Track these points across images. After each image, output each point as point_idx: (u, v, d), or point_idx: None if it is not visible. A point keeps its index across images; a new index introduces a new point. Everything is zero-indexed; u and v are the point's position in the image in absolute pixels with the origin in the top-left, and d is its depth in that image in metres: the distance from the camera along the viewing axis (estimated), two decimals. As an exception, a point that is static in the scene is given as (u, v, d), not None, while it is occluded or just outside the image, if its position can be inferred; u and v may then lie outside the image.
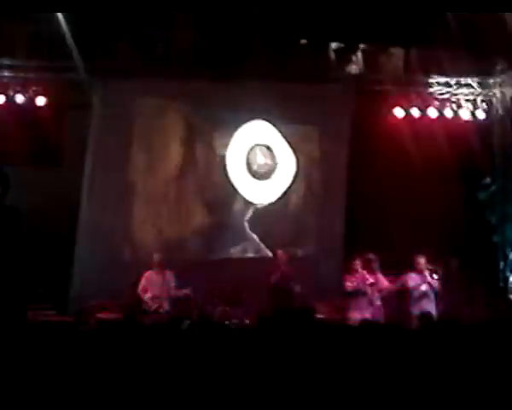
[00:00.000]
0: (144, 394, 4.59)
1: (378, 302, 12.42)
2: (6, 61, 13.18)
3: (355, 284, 12.37)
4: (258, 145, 14.55)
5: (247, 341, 5.36)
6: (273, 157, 14.61)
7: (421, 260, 12.49)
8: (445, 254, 13.12)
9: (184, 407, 4.63)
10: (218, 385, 4.76)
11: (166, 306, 12.28)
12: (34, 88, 13.27)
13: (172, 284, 12.44)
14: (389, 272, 12.76)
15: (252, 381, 4.80)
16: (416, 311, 11.91)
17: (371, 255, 12.61)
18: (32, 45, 12.93)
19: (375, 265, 12.54)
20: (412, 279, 12.44)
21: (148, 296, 12.27)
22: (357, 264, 12.53)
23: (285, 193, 14.66)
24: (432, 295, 12.40)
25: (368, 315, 12.00)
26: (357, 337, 5.21)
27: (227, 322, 11.99)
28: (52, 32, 12.66)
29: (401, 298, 12.62)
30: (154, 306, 12.19)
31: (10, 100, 13.23)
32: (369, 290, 12.33)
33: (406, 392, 4.76)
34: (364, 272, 12.45)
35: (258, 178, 14.58)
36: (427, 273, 12.43)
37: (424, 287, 12.37)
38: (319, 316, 12.76)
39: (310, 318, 5.56)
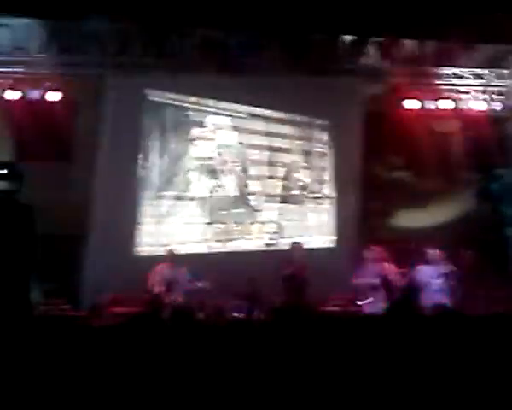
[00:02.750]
0: (155, 387, 4.60)
1: (386, 292, 12.32)
2: (20, 57, 13.21)
3: (363, 280, 12.29)
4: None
5: (260, 334, 5.36)
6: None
7: (433, 252, 12.42)
8: (459, 246, 13.08)
9: (199, 401, 4.63)
10: (232, 378, 4.77)
11: (180, 300, 12.27)
12: (47, 83, 13.29)
13: (186, 278, 12.43)
14: (401, 263, 12.70)
15: (264, 375, 4.81)
16: (428, 303, 11.88)
17: (378, 248, 12.55)
18: (45, 40, 12.96)
19: (385, 256, 12.47)
20: (423, 271, 12.37)
21: (160, 290, 12.26)
22: (368, 255, 12.48)
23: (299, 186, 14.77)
24: (445, 287, 12.33)
25: (380, 307, 11.93)
26: (366, 330, 5.20)
27: (241, 315, 12.02)
28: (65, 26, 12.73)
29: (412, 290, 12.53)
30: (167, 300, 12.17)
31: (24, 96, 13.26)
32: (379, 283, 12.25)
33: (415, 384, 4.75)
34: (375, 264, 12.39)
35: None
36: (439, 265, 12.36)
37: (436, 278, 12.30)
38: (333, 308, 12.88)
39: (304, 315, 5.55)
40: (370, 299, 12.09)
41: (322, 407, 4.72)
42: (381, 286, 12.23)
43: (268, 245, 14.52)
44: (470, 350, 5.24)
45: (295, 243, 13.22)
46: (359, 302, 12.18)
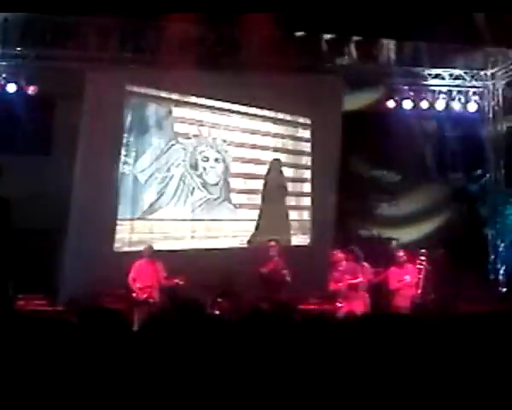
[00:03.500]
0: (134, 388, 4.57)
1: (363, 292, 12.36)
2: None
3: (338, 286, 12.31)
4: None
5: (236, 333, 5.33)
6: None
7: (402, 253, 12.47)
8: (434, 246, 13.16)
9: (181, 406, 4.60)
10: (209, 379, 4.75)
11: (157, 296, 12.26)
12: (25, 77, 13.21)
13: (163, 274, 12.41)
14: (377, 263, 12.75)
15: (241, 375, 4.79)
16: (400, 303, 11.97)
17: (354, 248, 12.59)
18: (23, 34, 12.88)
19: (360, 256, 12.52)
20: (394, 273, 12.41)
21: (137, 286, 12.24)
22: (339, 256, 12.50)
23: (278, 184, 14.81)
24: (418, 287, 12.35)
25: (356, 305, 11.97)
26: (344, 332, 5.19)
27: (217, 312, 12.00)
28: (43, 20, 12.66)
29: (385, 291, 12.57)
30: (144, 295, 12.16)
31: (1, 88, 13.17)
32: (356, 282, 12.27)
33: (392, 388, 4.75)
34: (345, 264, 12.40)
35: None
36: (409, 266, 12.41)
37: (407, 279, 12.34)
38: (309, 306, 12.89)
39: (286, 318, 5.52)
40: (347, 298, 12.16)
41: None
42: (358, 285, 12.29)
43: (246, 243, 14.51)
44: (444, 351, 5.24)
45: (272, 240, 13.24)
46: (338, 303, 12.22)
